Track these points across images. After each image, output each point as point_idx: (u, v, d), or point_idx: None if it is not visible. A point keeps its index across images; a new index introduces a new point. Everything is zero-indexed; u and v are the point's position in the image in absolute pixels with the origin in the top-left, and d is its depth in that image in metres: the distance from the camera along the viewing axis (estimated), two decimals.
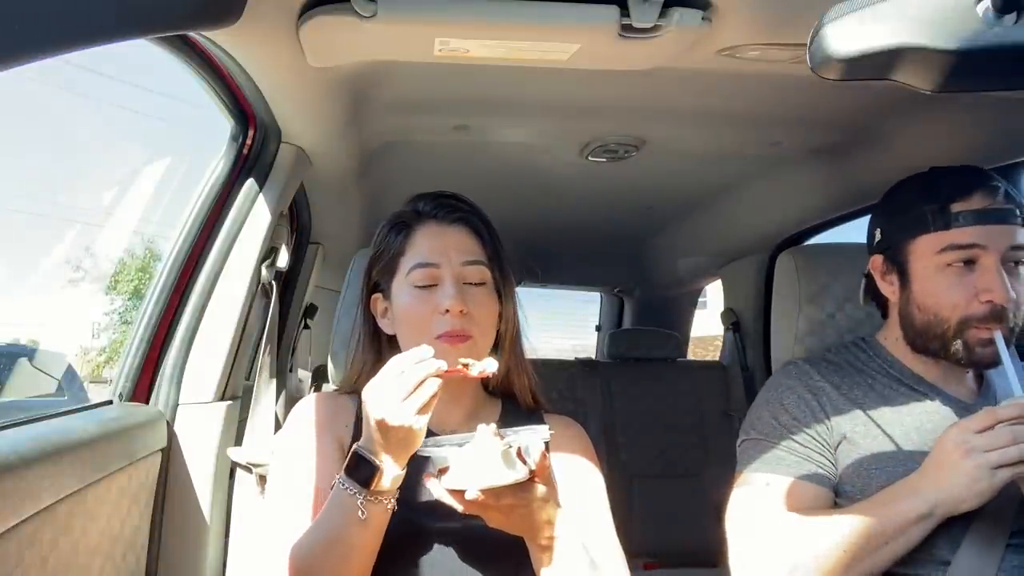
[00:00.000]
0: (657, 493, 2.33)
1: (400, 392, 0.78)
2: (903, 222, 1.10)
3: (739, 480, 1.12)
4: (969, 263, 1.03)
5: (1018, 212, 1.05)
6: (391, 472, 0.82)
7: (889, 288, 1.13)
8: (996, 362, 1.02)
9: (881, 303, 1.18)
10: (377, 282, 1.04)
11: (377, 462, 0.81)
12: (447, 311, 0.94)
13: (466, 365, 0.86)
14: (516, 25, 0.96)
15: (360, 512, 0.82)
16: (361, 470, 0.82)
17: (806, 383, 1.12)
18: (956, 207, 1.04)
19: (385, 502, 0.83)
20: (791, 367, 1.16)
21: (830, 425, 1.07)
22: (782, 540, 1.00)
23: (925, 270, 1.07)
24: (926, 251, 1.06)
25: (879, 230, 1.15)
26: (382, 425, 0.79)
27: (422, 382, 0.79)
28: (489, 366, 0.87)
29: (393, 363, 0.81)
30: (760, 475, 1.08)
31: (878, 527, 0.94)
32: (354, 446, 0.84)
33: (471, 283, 0.98)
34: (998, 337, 1.00)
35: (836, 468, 1.07)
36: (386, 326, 1.02)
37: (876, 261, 1.15)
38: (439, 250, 0.98)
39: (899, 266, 1.11)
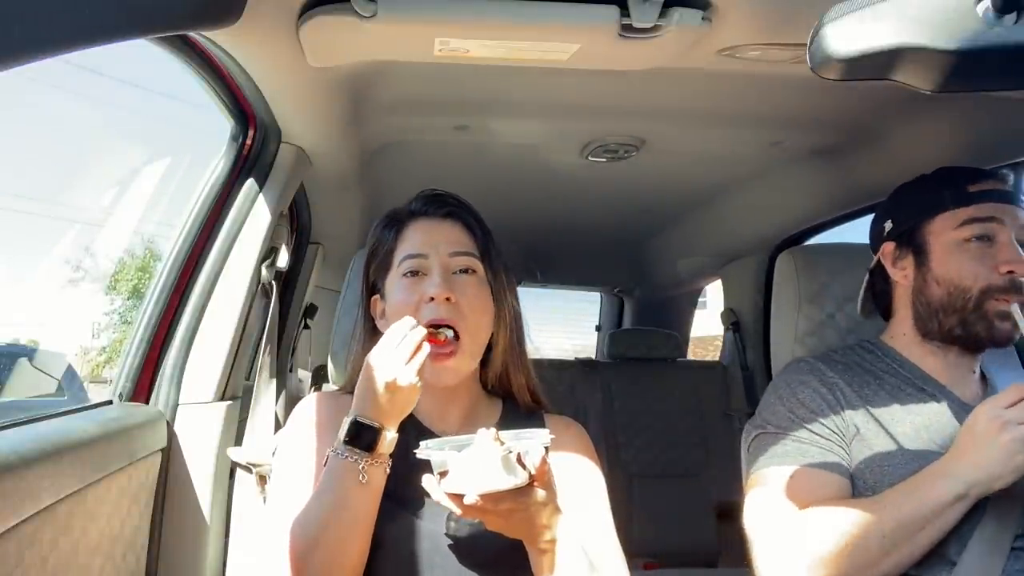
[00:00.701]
0: (657, 493, 2.33)
1: (405, 355, 0.86)
2: (918, 207, 1.14)
3: (755, 476, 1.11)
4: (987, 239, 1.07)
5: None
6: (390, 435, 0.87)
7: (901, 273, 1.15)
8: (1011, 339, 1.04)
9: (886, 301, 1.19)
10: (375, 282, 1.04)
11: (379, 426, 0.86)
12: (432, 299, 0.94)
13: (434, 334, 0.93)
14: (516, 25, 0.96)
15: (361, 476, 0.85)
16: (364, 436, 0.86)
17: (820, 378, 1.12)
18: (973, 187, 1.10)
19: (384, 464, 0.87)
20: (802, 363, 1.17)
21: (845, 418, 1.08)
22: (812, 530, 1.00)
23: (945, 246, 1.10)
24: (945, 227, 1.10)
25: (890, 220, 1.18)
26: (391, 386, 0.85)
27: (420, 345, 0.87)
28: (448, 331, 0.94)
29: (393, 331, 0.87)
30: (781, 468, 1.08)
31: (914, 512, 0.94)
32: (347, 417, 0.87)
33: (460, 271, 0.98)
34: (1015, 308, 1.03)
35: (851, 461, 1.07)
36: (384, 327, 1.02)
37: (887, 248, 1.17)
38: (428, 242, 0.99)
39: (915, 247, 1.13)
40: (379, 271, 1.03)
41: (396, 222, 1.03)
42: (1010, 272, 1.04)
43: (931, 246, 1.11)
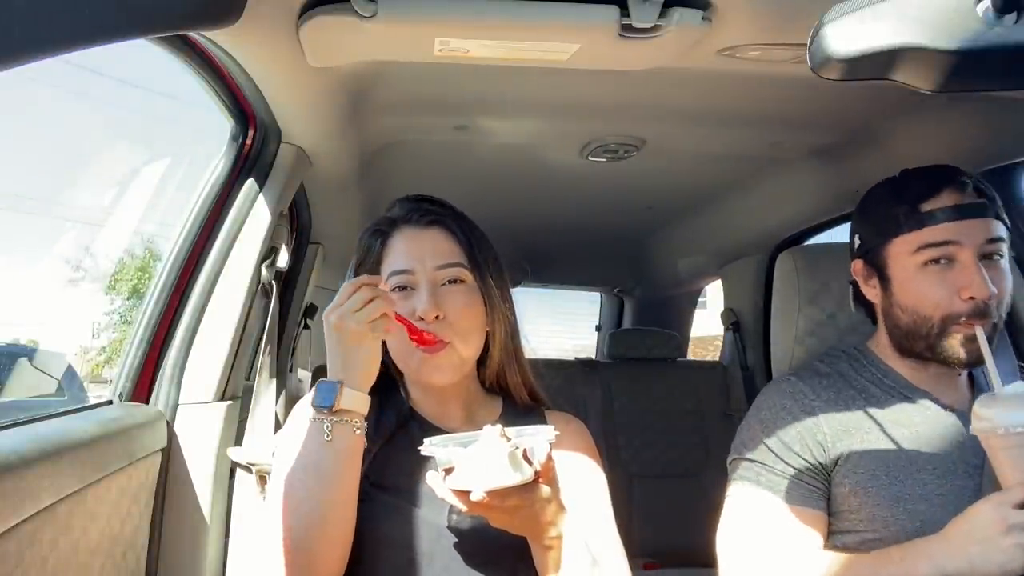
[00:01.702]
0: (657, 493, 2.33)
1: (354, 305, 0.85)
2: (877, 227, 1.10)
3: (731, 501, 1.11)
4: (947, 261, 1.02)
5: (989, 205, 1.04)
6: (351, 389, 0.86)
7: (872, 292, 1.13)
8: (980, 360, 1.00)
9: (868, 309, 1.18)
10: None
11: (337, 382, 0.86)
12: (421, 318, 0.94)
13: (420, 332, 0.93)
14: (516, 25, 0.96)
15: (326, 435, 0.85)
16: (326, 392, 0.86)
17: (801, 403, 1.10)
18: (926, 206, 1.03)
19: (351, 424, 0.86)
20: (785, 385, 1.14)
21: (826, 446, 1.06)
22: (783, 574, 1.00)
23: (904, 271, 1.06)
24: (902, 252, 1.06)
25: (857, 236, 1.15)
26: (339, 328, 0.86)
27: (370, 300, 0.85)
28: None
29: (344, 287, 0.88)
30: (753, 500, 1.07)
31: None
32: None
33: (448, 282, 0.98)
34: (979, 333, 0.99)
35: (830, 488, 1.06)
36: None
37: (857, 266, 1.15)
38: (414, 255, 0.98)
39: (879, 270, 1.10)
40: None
41: (381, 232, 1.02)
42: (971, 298, 1.00)
43: (892, 271, 1.08)
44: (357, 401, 0.87)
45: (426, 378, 0.97)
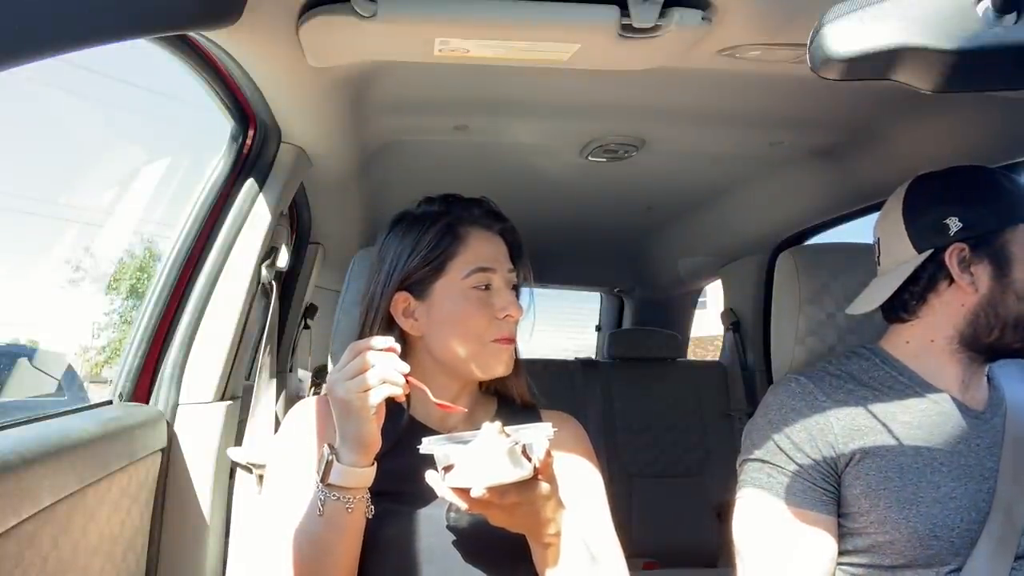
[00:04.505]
0: (657, 493, 2.33)
1: (348, 372, 0.81)
2: (996, 211, 1.03)
3: (742, 504, 1.09)
4: None
5: None
6: (344, 464, 0.82)
7: (968, 279, 1.04)
8: None
9: (913, 303, 1.09)
10: (413, 282, 1.00)
11: (330, 454, 0.83)
12: (507, 316, 0.97)
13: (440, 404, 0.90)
14: (516, 25, 0.96)
15: (318, 508, 0.83)
16: (321, 463, 0.84)
17: (810, 403, 1.06)
18: None
19: (342, 501, 0.83)
20: (794, 385, 1.10)
21: (837, 446, 1.03)
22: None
23: None
24: None
25: (955, 219, 1.03)
26: (329, 394, 0.83)
27: (367, 365, 0.81)
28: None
29: (351, 345, 0.84)
30: (764, 502, 1.05)
31: None
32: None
33: (512, 287, 1.02)
34: None
35: (840, 491, 1.04)
36: (411, 326, 1.00)
37: (958, 250, 1.04)
38: (495, 258, 1.00)
39: (993, 256, 1.03)
40: (429, 272, 0.99)
41: (453, 227, 1.00)
42: None
43: (1015, 256, 1.01)
44: (348, 478, 0.83)
45: (491, 370, 0.98)
